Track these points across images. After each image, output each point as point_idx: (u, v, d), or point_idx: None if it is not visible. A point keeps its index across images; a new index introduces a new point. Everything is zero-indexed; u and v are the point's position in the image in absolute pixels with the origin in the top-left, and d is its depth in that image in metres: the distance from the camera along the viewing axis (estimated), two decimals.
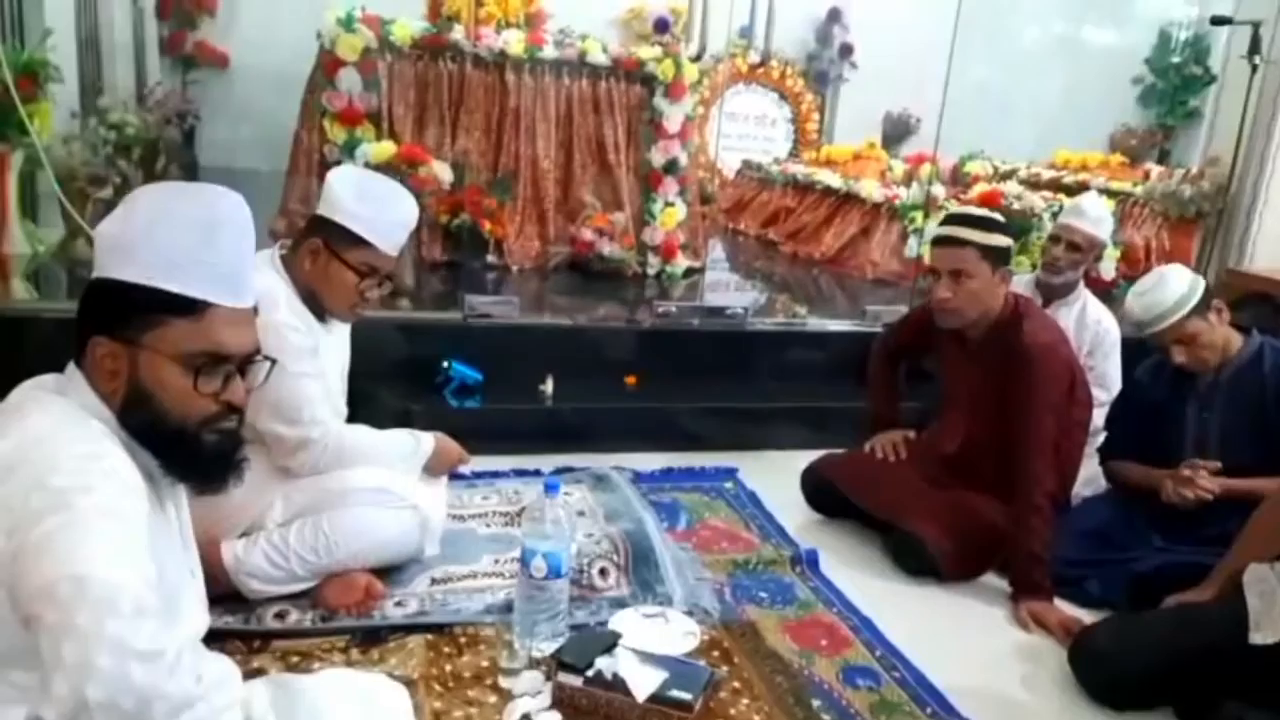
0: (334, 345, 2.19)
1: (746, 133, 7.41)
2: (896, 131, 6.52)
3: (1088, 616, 2.27)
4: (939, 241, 2.48)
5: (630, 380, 3.38)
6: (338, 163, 3.79)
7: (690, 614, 2.12)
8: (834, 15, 7.22)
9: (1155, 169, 4.70)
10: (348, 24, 4.06)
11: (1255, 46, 3.85)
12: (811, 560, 2.50)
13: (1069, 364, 2.49)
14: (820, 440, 3.06)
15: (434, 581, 2.15)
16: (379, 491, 2.08)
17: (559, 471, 2.84)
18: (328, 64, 4.08)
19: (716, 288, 4.69)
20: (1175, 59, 4.86)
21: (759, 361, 3.63)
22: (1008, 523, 2.40)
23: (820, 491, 2.80)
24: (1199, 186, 4.10)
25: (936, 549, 2.44)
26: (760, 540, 2.62)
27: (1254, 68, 3.85)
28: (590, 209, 4.42)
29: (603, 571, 2.23)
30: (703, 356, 3.57)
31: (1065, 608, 2.34)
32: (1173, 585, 2.20)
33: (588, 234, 4.37)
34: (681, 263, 4.55)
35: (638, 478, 2.91)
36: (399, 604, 2.05)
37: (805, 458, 2.90)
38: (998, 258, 2.44)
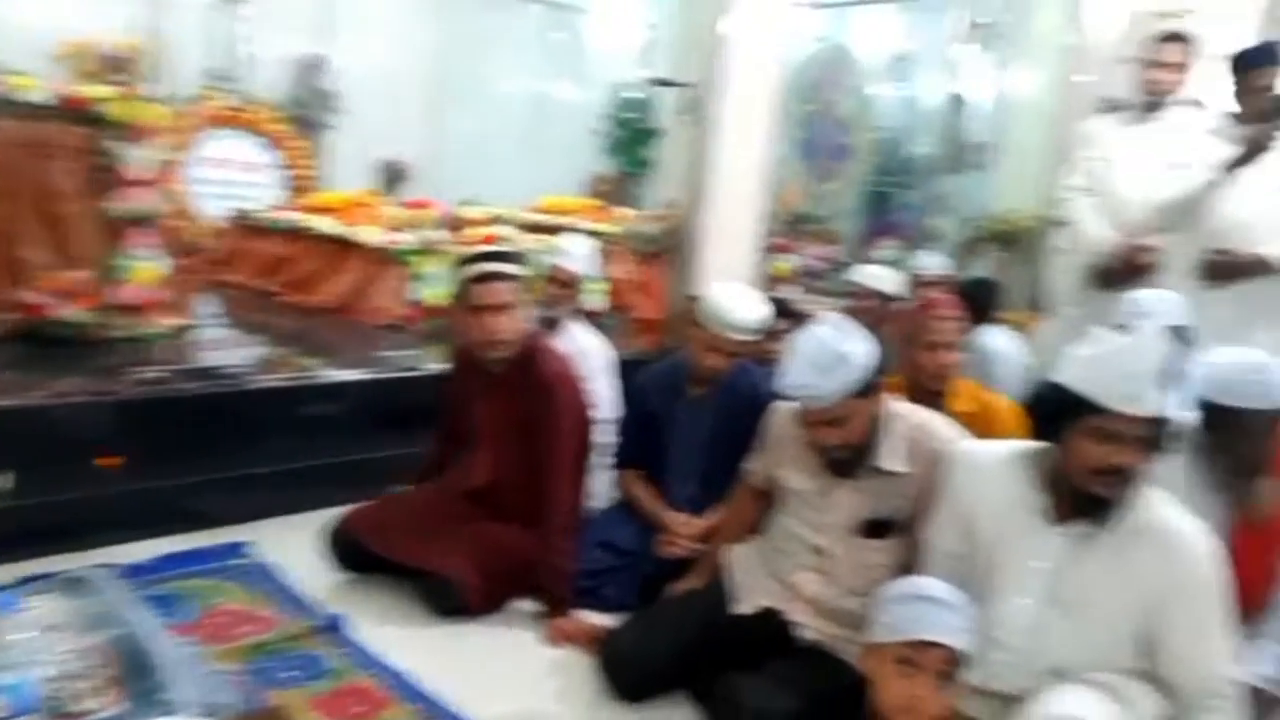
0: None
1: (232, 179, 6.92)
2: (393, 177, 6.54)
3: (611, 622, 2.43)
4: (483, 278, 2.53)
5: (107, 462, 2.92)
6: None
7: (209, 715, 1.87)
8: (316, 61, 7.07)
9: (625, 211, 5.27)
10: None
11: (689, 106, 4.53)
12: (337, 626, 2.36)
13: (581, 391, 2.68)
14: (351, 496, 2.92)
15: None
16: None
17: (23, 582, 2.36)
18: None
19: (210, 346, 4.27)
20: (629, 114, 5.53)
21: (268, 421, 3.36)
22: (535, 546, 2.50)
23: (349, 549, 2.67)
24: (660, 226, 4.70)
25: (462, 585, 2.46)
26: (281, 616, 2.41)
27: (688, 124, 4.53)
28: (40, 269, 3.76)
29: (94, 690, 1.88)
30: (201, 423, 3.21)
31: (590, 618, 2.48)
32: (677, 578, 2.46)
33: (38, 297, 3.72)
34: (164, 322, 4.08)
35: (130, 572, 2.52)
36: None
37: (334, 517, 2.74)
38: (524, 289, 2.59)
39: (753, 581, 2.26)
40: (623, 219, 4.89)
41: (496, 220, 5.18)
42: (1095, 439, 1.65)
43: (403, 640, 2.34)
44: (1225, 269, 2.95)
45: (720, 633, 2.20)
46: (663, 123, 5.33)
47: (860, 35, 6.07)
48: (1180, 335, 2.58)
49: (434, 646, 2.34)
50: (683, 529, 2.61)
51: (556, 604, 2.49)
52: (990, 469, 1.86)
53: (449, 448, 2.83)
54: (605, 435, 2.88)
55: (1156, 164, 3.10)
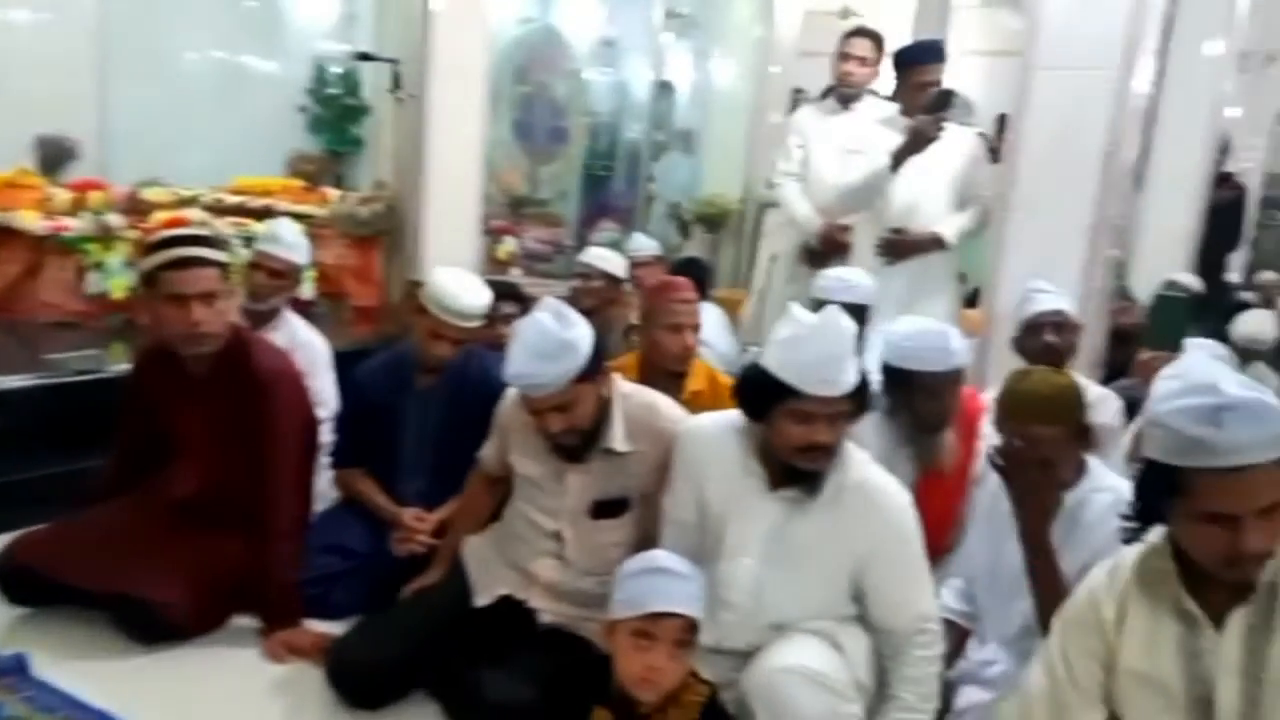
0: None
1: None
2: (53, 156, 5.76)
3: (339, 630, 2.30)
4: (180, 264, 2.23)
5: None
6: None
7: None
8: None
9: (333, 192, 4.98)
10: None
11: (397, 82, 4.34)
12: (16, 667, 2.05)
13: (302, 387, 2.49)
14: (15, 521, 2.54)
15: None
16: None
17: None
18: None
19: None
20: (333, 90, 5.22)
21: None
22: (255, 557, 2.30)
23: (21, 581, 2.32)
24: (373, 208, 4.48)
25: (164, 606, 2.22)
26: None
27: (398, 100, 4.35)
28: None
29: None
30: None
31: (318, 627, 2.33)
32: (414, 576, 2.37)
33: None
34: None
35: None
36: None
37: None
38: (225, 277, 2.33)
39: (491, 572, 2.22)
40: (330, 200, 4.61)
41: (186, 203, 4.71)
42: (795, 420, 1.77)
43: (103, 674, 2.09)
44: (901, 247, 3.30)
45: (462, 627, 2.15)
46: (370, 99, 5.08)
47: (567, 18, 6.12)
48: (862, 312, 2.86)
49: (142, 677, 2.10)
50: (417, 524, 2.51)
51: (280, 617, 2.31)
52: (713, 441, 1.95)
53: (131, 459, 2.52)
54: (326, 434, 2.71)
55: (846, 152, 3.39)
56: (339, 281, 4.45)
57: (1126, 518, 1.43)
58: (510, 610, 2.16)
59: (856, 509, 1.84)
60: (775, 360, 1.78)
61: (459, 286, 2.56)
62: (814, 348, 1.74)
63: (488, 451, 2.34)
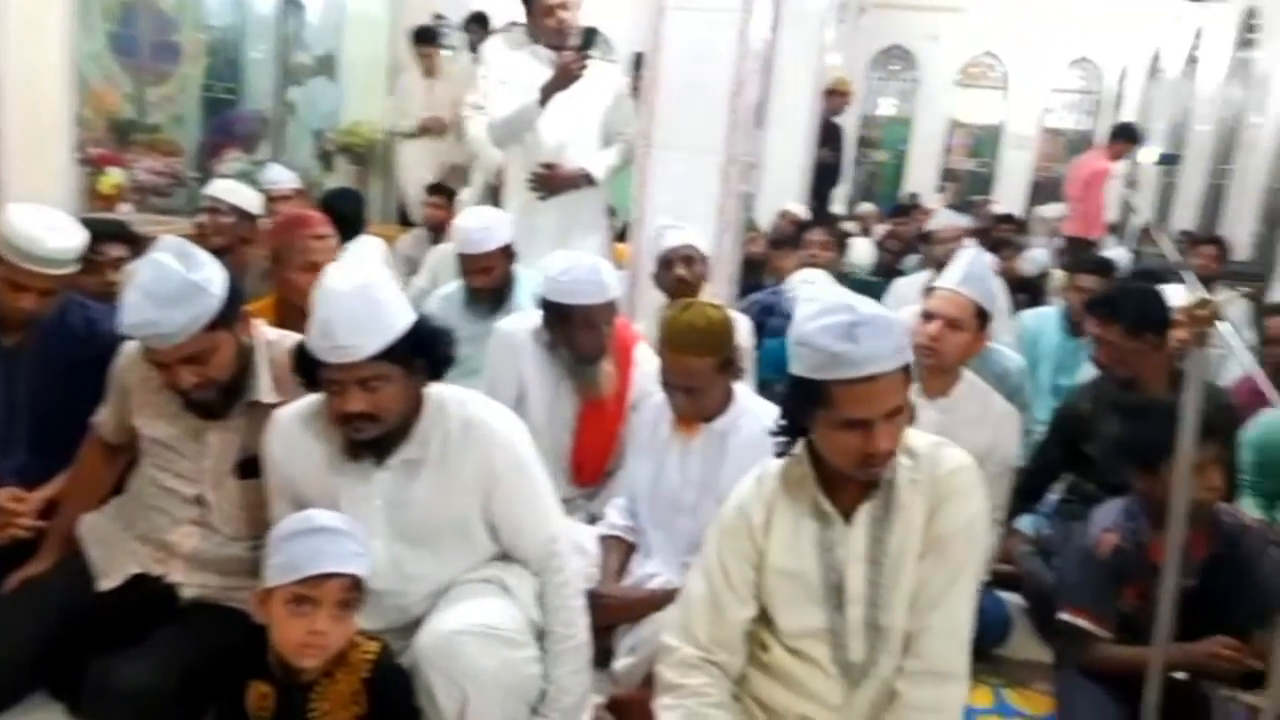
0: None
1: None
2: None
3: None
4: None
5: None
6: None
7: None
8: None
9: None
10: None
11: None
12: None
13: None
14: None
15: None
16: None
17: None
18: None
19: None
20: None
21: None
22: None
23: None
24: None
25: None
26: None
27: None
28: None
29: None
30: None
31: None
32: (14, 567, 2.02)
33: None
34: None
35: None
36: None
37: None
38: None
39: (117, 550, 1.95)
40: None
41: None
42: (330, 390, 1.65)
43: None
44: (552, 182, 3.31)
45: (84, 616, 1.87)
46: None
47: None
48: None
49: None
50: (14, 505, 2.13)
51: None
52: (296, 430, 1.79)
53: None
54: None
55: (499, 84, 3.29)
56: None
57: (776, 433, 1.55)
58: (144, 590, 1.91)
59: (466, 452, 1.76)
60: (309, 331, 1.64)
61: (41, 227, 2.12)
62: (324, 312, 1.60)
63: (104, 416, 2.03)
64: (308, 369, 1.67)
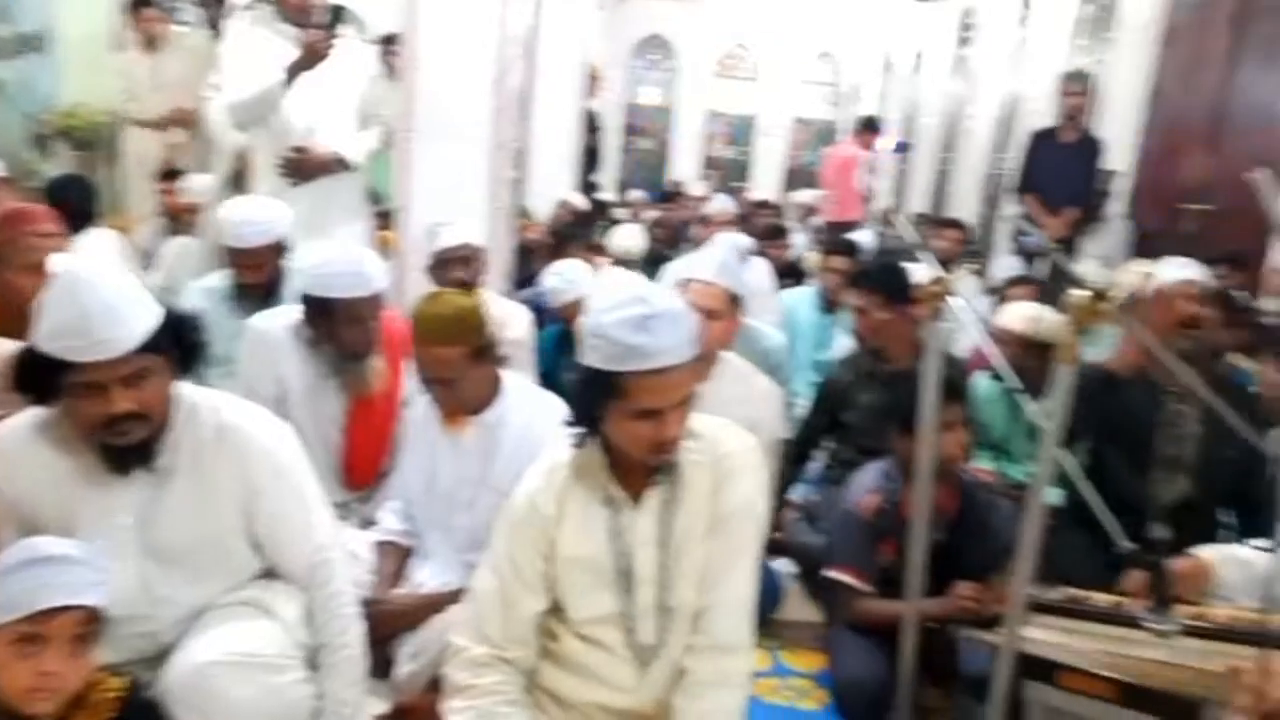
0: None
1: None
2: None
3: None
4: None
5: None
6: None
7: None
8: None
9: None
10: None
11: None
12: None
13: None
14: None
15: None
16: None
17: None
18: None
19: None
20: None
21: None
22: None
23: None
24: None
25: None
26: None
27: None
28: None
29: None
30: None
31: None
32: None
33: None
34: None
35: None
36: None
37: None
38: None
39: None
40: None
41: None
42: (83, 395, 1.48)
43: None
44: (304, 166, 3.10)
45: None
46: None
47: None
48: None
49: None
50: None
51: None
52: (22, 447, 1.58)
53: None
54: None
55: (266, 67, 3.02)
56: None
57: (569, 424, 1.54)
58: None
59: (221, 461, 1.63)
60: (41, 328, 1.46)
61: None
62: (71, 309, 1.43)
63: None
64: (39, 378, 1.47)
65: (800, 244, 5.90)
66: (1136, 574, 1.75)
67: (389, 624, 1.94)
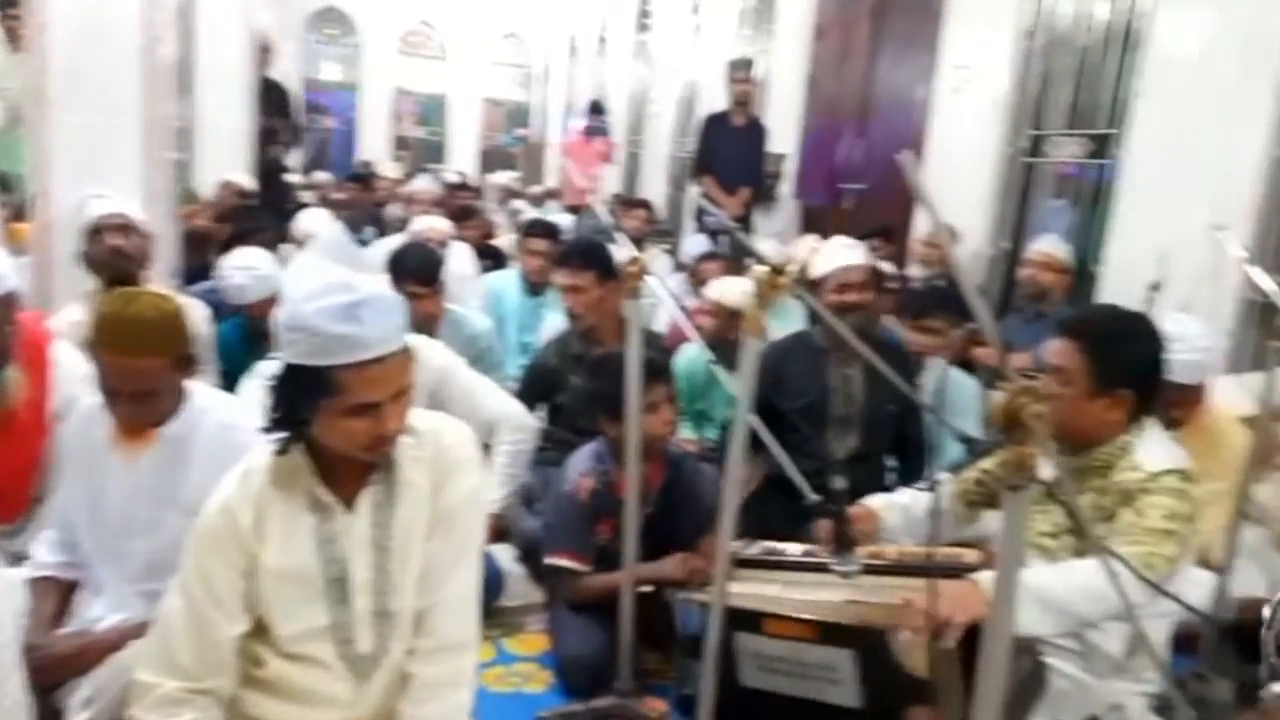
0: None
1: None
2: None
3: None
4: None
5: None
6: None
7: None
8: None
9: None
10: None
11: None
12: None
13: None
14: None
15: None
16: None
17: None
18: None
19: None
20: None
21: None
22: None
23: None
24: None
25: None
26: None
27: None
28: None
29: None
30: None
31: None
32: None
33: None
34: None
35: None
36: None
37: None
38: None
39: None
40: None
41: None
42: None
43: None
44: None
45: None
46: None
47: None
48: None
49: None
50: None
51: None
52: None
53: None
54: None
55: None
56: None
57: (268, 429, 1.39)
58: None
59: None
60: None
61: None
62: None
63: None
64: None
65: (502, 226, 5.86)
66: (824, 523, 1.91)
67: (55, 671, 1.68)
